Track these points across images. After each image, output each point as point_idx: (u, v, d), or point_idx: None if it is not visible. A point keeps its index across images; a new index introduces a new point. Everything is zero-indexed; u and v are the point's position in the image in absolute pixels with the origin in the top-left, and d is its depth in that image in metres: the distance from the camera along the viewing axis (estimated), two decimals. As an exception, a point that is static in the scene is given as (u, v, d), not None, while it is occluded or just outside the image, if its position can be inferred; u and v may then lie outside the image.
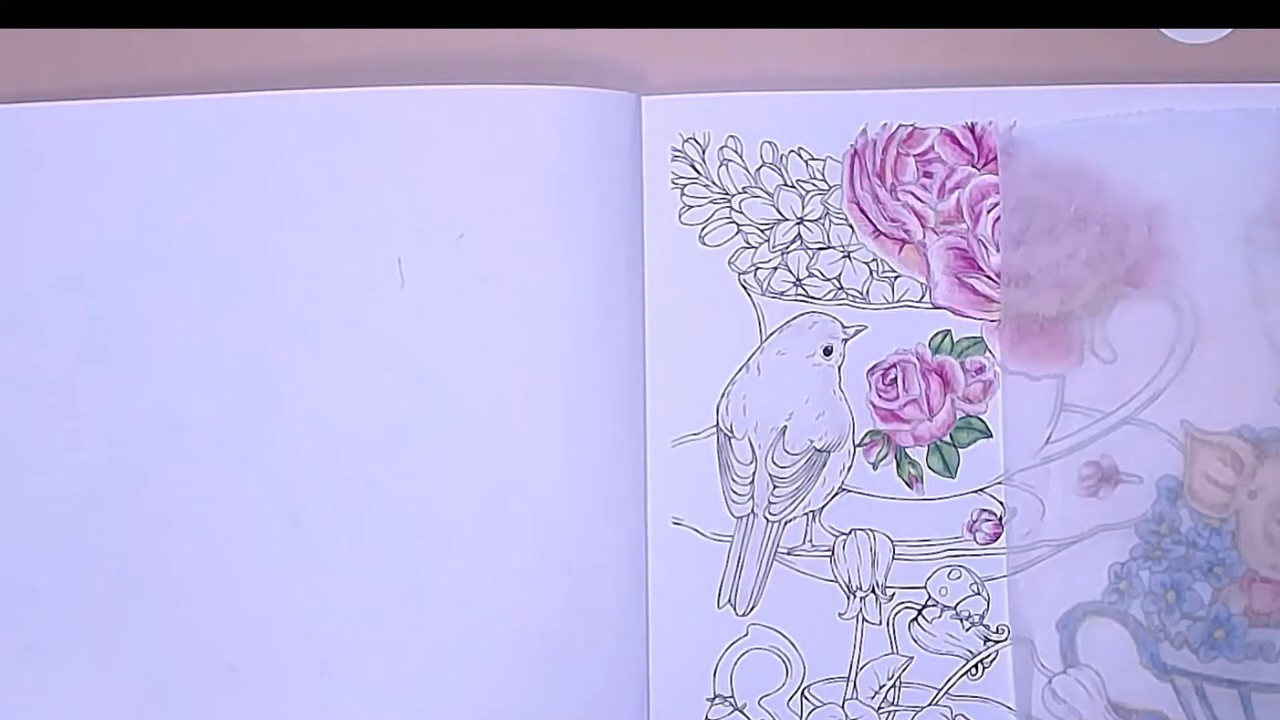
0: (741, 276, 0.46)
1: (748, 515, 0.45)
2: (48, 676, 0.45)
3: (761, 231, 0.46)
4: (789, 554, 0.45)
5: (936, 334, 0.46)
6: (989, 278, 0.46)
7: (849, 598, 0.45)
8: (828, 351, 0.46)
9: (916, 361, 0.46)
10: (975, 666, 0.45)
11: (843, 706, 0.45)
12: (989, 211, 0.46)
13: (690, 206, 0.46)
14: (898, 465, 0.45)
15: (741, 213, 0.46)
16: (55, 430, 0.46)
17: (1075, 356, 0.45)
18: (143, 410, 0.46)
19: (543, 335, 0.45)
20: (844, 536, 0.45)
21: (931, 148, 0.46)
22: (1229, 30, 0.47)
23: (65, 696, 0.45)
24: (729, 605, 0.45)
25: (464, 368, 0.45)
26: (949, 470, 0.45)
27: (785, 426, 0.46)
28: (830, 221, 0.46)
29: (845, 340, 0.46)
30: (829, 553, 0.45)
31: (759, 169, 0.46)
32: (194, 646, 0.45)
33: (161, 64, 0.48)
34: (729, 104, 0.46)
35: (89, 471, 0.45)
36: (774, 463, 0.45)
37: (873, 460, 0.46)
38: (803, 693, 0.45)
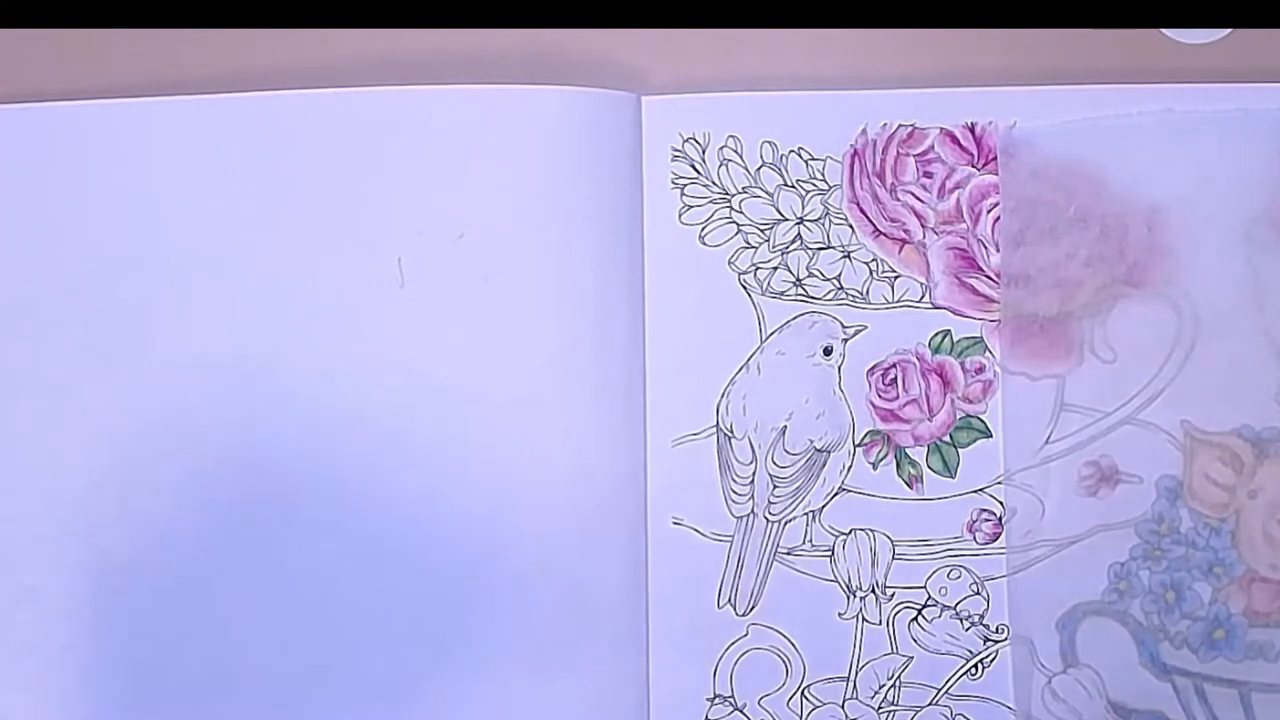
0: (741, 276, 0.46)
1: (748, 515, 0.45)
2: (47, 676, 0.45)
3: (761, 231, 0.46)
4: (789, 554, 0.45)
5: (936, 334, 0.46)
6: (989, 278, 0.46)
7: (849, 598, 0.45)
8: (828, 351, 0.46)
9: (916, 361, 0.46)
10: (975, 666, 0.45)
11: (843, 706, 0.45)
12: (989, 211, 0.46)
13: (690, 206, 0.46)
14: (898, 465, 0.45)
15: (741, 213, 0.46)
16: (55, 430, 0.46)
17: (1075, 356, 0.45)
18: (143, 410, 0.46)
19: (543, 335, 0.45)
20: (844, 536, 0.45)
21: (931, 148, 0.46)
22: (1229, 30, 0.47)
23: (65, 696, 0.45)
24: (729, 605, 0.45)
25: (464, 368, 0.45)
26: (949, 470, 0.45)
27: (785, 426, 0.46)
28: (830, 221, 0.46)
29: (845, 340, 0.46)
30: (829, 553, 0.45)
31: (759, 169, 0.46)
32: (193, 647, 0.45)
33: (161, 64, 0.48)
34: (729, 104, 0.46)
35: (89, 471, 0.45)
36: (774, 463, 0.45)
37: (873, 460, 0.46)
38: (803, 693, 0.45)
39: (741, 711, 0.45)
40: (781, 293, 0.46)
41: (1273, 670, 0.44)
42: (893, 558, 0.45)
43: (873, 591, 0.45)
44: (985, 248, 0.46)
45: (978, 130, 0.46)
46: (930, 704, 0.45)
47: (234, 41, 0.48)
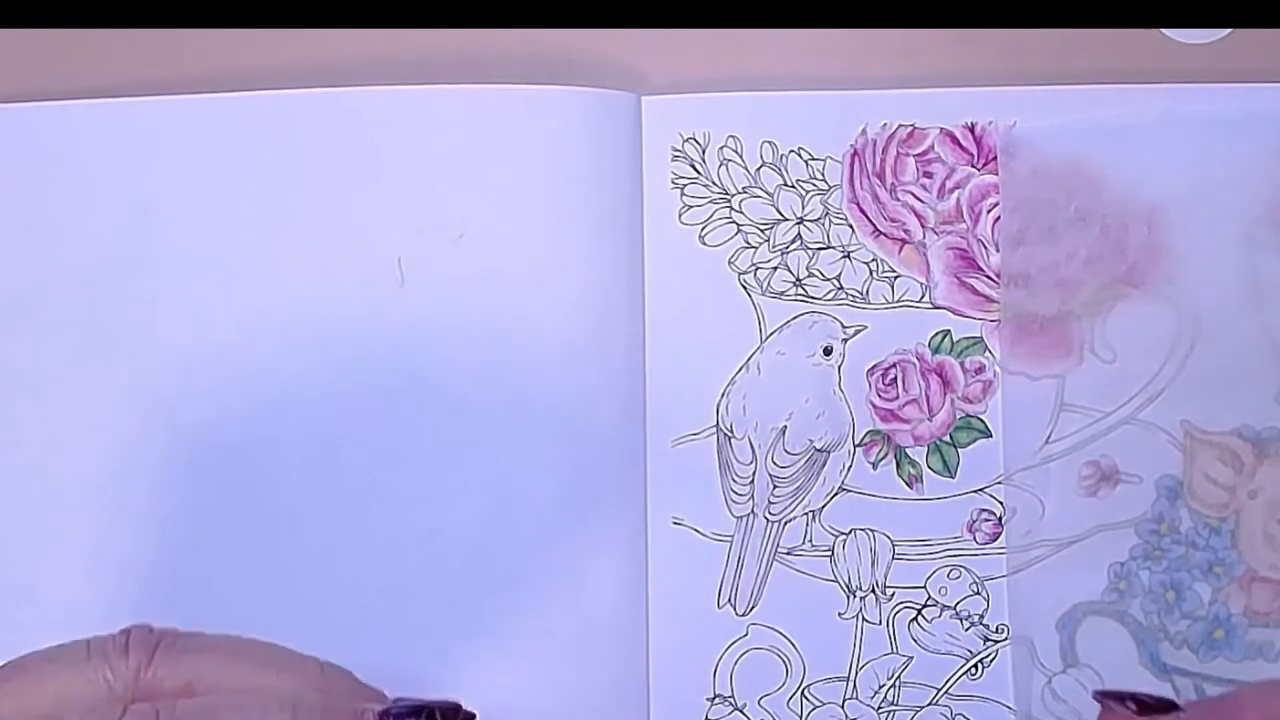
0: (741, 276, 0.46)
1: (748, 515, 0.45)
2: (48, 676, 0.45)
3: (761, 231, 0.46)
4: (789, 554, 0.45)
5: (936, 334, 0.46)
6: (989, 278, 0.46)
7: (849, 597, 0.45)
8: (828, 351, 0.46)
9: (916, 361, 0.46)
10: (975, 666, 0.45)
11: (843, 706, 0.45)
12: (989, 211, 0.46)
13: (690, 206, 0.46)
14: (898, 465, 0.45)
15: (741, 213, 0.46)
16: (56, 428, 0.46)
17: (1075, 356, 0.45)
18: (143, 409, 0.45)
19: (543, 335, 0.45)
20: (844, 536, 0.45)
21: (931, 148, 0.46)
22: (1229, 30, 0.47)
23: (65, 696, 0.45)
24: (729, 605, 0.45)
25: (464, 368, 0.45)
26: (949, 470, 0.45)
27: (785, 426, 0.46)
28: (830, 221, 0.46)
29: (845, 340, 0.46)
30: (829, 553, 0.45)
31: (759, 169, 0.46)
32: (194, 646, 0.45)
33: (161, 64, 0.48)
34: (729, 104, 0.46)
35: (89, 471, 0.45)
36: (774, 463, 0.45)
37: (873, 460, 0.46)
38: (803, 693, 0.45)
39: (741, 711, 0.45)
40: (781, 293, 0.46)
41: (1273, 670, 0.44)
42: (893, 558, 0.45)
43: (873, 591, 0.45)
44: (985, 248, 0.46)
45: (978, 130, 0.46)
46: (930, 704, 0.45)
47: (234, 41, 0.48)
